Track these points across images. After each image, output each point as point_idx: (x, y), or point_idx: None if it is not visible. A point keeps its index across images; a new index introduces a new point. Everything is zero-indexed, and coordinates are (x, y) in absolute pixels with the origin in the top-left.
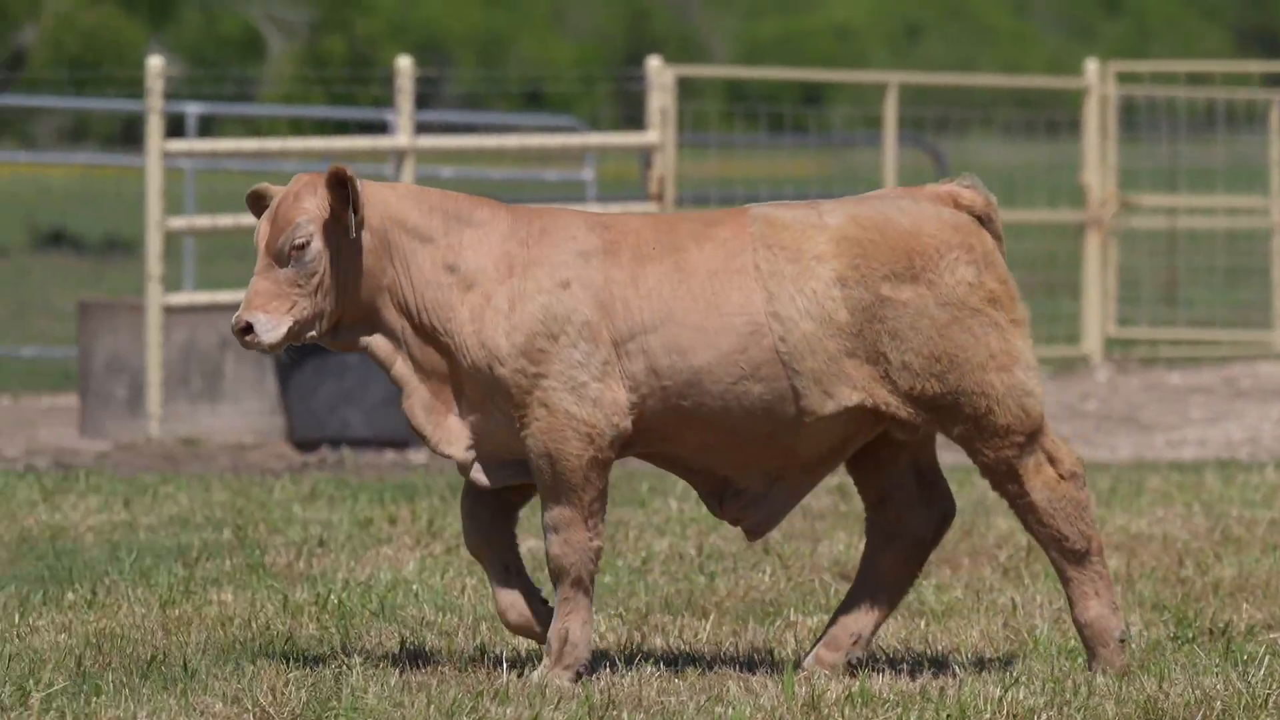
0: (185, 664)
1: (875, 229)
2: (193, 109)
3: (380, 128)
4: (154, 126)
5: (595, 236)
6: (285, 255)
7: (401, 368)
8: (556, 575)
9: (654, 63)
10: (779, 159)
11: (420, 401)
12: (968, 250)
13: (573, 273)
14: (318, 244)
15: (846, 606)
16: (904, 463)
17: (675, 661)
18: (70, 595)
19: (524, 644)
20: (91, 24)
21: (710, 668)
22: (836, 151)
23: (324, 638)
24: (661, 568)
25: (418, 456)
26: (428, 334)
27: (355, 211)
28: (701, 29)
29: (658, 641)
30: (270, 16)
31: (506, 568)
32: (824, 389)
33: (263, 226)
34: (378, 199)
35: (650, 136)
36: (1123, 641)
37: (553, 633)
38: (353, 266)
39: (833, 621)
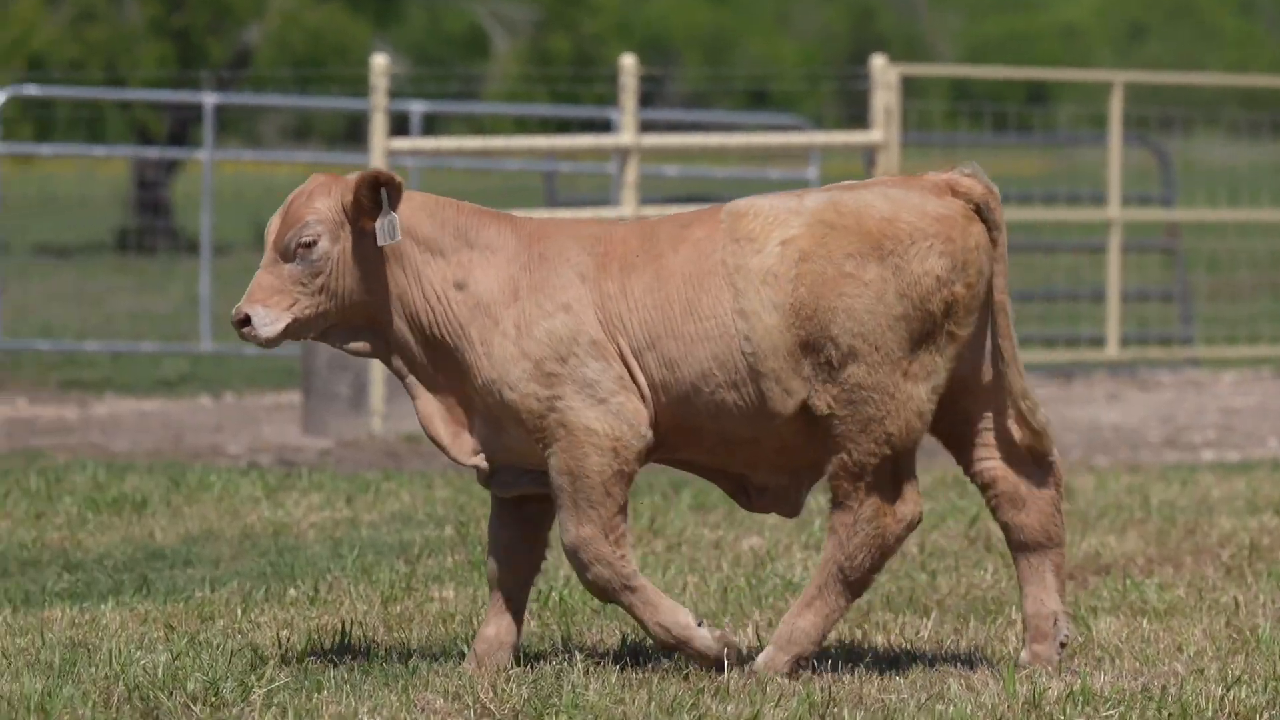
0: (407, 660)
1: (851, 214)
2: (417, 107)
3: (604, 126)
4: (378, 125)
5: (587, 256)
6: (291, 252)
7: (415, 379)
8: (603, 596)
9: (878, 61)
10: (1003, 158)
11: (437, 411)
12: (945, 241)
13: (572, 294)
14: (325, 244)
15: (1025, 594)
16: (997, 432)
17: (896, 659)
18: (292, 591)
19: (753, 639)
20: (317, 23)
21: (931, 665)
22: (1061, 150)
23: (545, 634)
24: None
25: None
26: (438, 346)
27: (394, 213)
28: (927, 28)
29: (878, 639)
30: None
31: (509, 601)
32: (784, 387)
33: (273, 222)
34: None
35: (874, 135)
36: (789, 671)
37: (660, 640)
38: (361, 272)
39: (1026, 615)
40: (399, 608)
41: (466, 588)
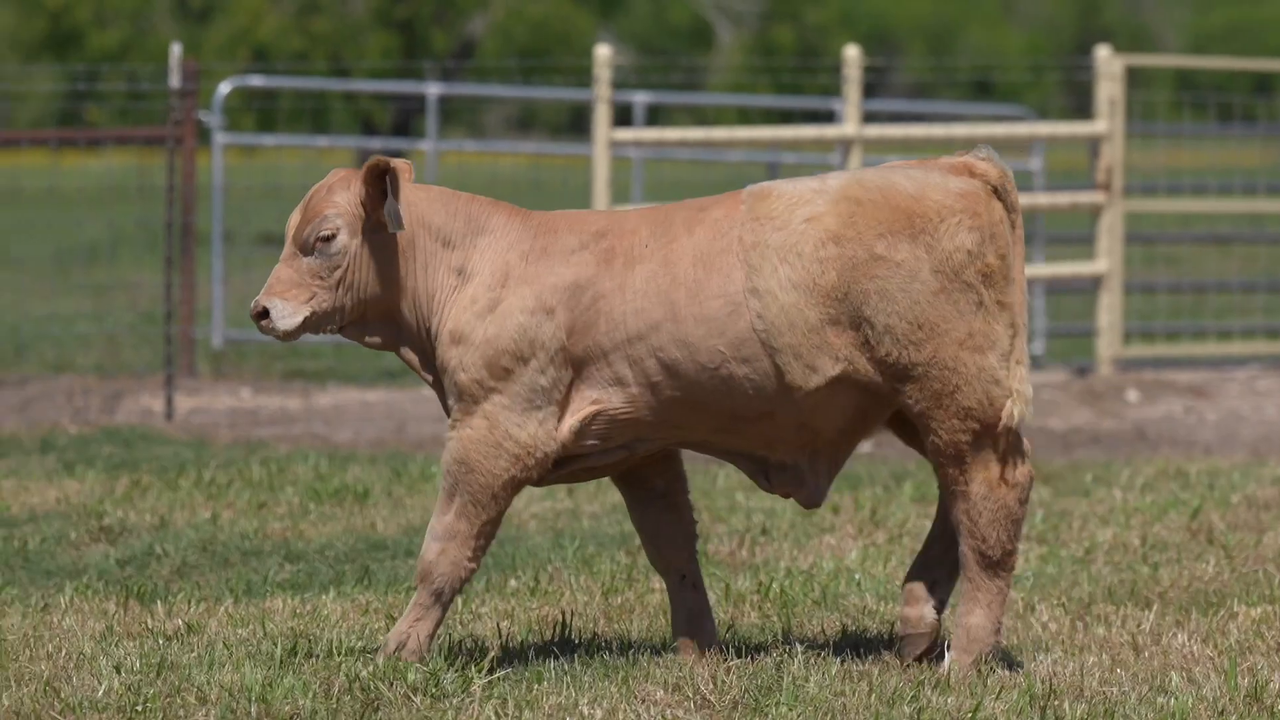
0: (627, 652)
1: (877, 190)
2: (640, 98)
3: (827, 117)
4: (601, 115)
5: (589, 254)
6: (310, 245)
7: (430, 372)
8: (422, 578)
9: (1103, 52)
10: (1228, 149)
11: None
12: (972, 216)
13: (558, 299)
14: (344, 238)
15: (921, 558)
16: None
17: (1117, 651)
18: (513, 582)
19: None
20: (541, 14)
21: (1152, 658)
22: None
23: (765, 626)
24: (1105, 558)
25: (863, 445)
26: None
27: (395, 198)
28: (1152, 19)
29: (1099, 631)
30: (719, 6)
31: (683, 577)
32: (805, 363)
33: (294, 215)
34: (409, 201)
35: (1098, 126)
36: (976, 660)
37: (394, 633)
38: (378, 266)
39: (911, 570)
40: (619, 599)
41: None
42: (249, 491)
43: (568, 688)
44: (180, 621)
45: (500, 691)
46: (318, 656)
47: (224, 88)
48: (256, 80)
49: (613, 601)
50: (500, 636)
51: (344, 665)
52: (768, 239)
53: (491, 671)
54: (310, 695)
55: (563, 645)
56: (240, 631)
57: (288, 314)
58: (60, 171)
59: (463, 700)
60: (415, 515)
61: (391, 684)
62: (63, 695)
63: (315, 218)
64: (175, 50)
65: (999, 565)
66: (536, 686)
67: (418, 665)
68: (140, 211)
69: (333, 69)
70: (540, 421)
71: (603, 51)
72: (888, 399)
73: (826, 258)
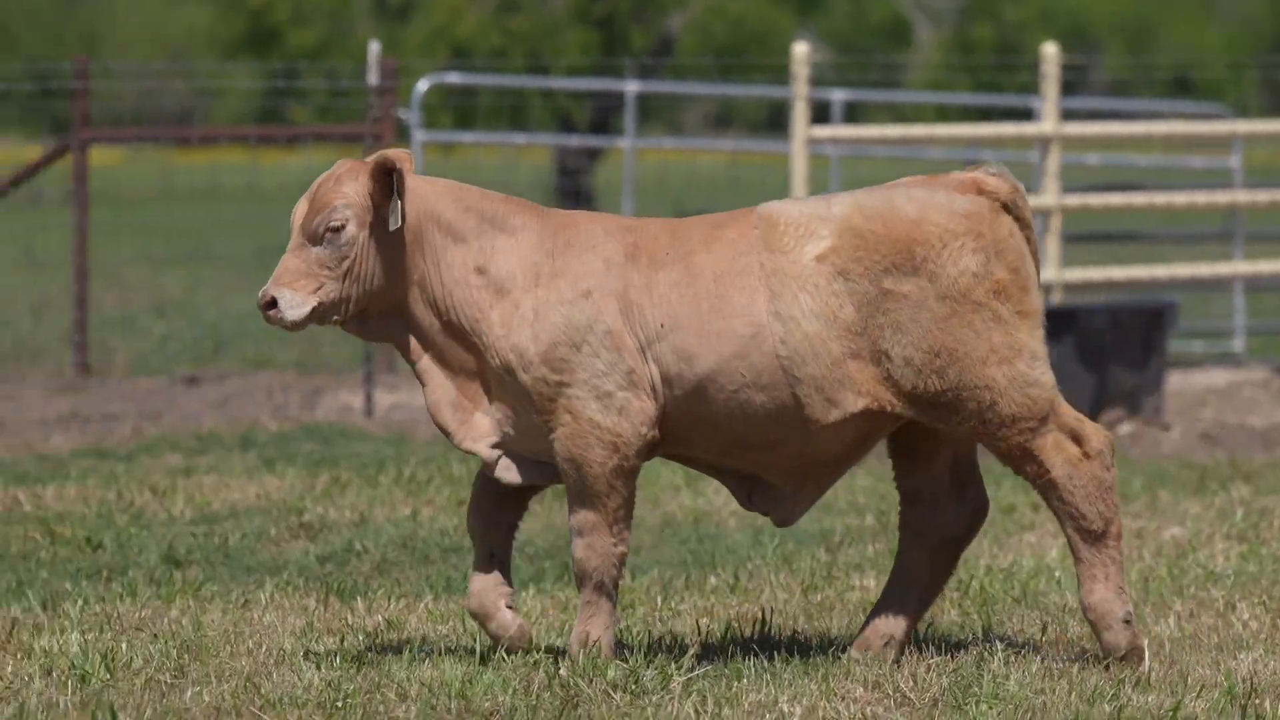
0: (827, 649)
1: (879, 218)
2: (838, 95)
3: (1025, 114)
4: (799, 113)
5: (616, 243)
6: (319, 236)
7: (427, 363)
8: (580, 578)
9: None
10: None
11: (446, 398)
12: (975, 238)
13: (594, 282)
14: (352, 229)
15: (879, 607)
16: (943, 459)
17: None
18: (712, 580)
19: (1173, 628)
20: (739, 11)
21: None
22: None
23: (965, 624)
24: None
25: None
26: (457, 332)
27: (400, 199)
28: None
29: None
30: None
31: (491, 555)
32: (826, 396)
33: (300, 206)
34: (417, 194)
35: None
36: (1127, 623)
37: (575, 636)
38: (385, 257)
39: (867, 622)
40: (819, 596)
41: (886, 576)
42: (449, 488)
43: (767, 685)
44: (380, 618)
45: (700, 688)
46: (518, 653)
47: (422, 85)
48: (454, 78)
49: (812, 599)
50: (700, 634)
51: (543, 662)
52: (785, 268)
53: (691, 668)
54: (510, 692)
55: (762, 642)
56: (440, 628)
57: (296, 304)
58: (259, 169)
59: (662, 697)
60: None
61: (591, 680)
62: (263, 691)
63: (324, 208)
64: (374, 48)
65: (1105, 536)
66: (736, 684)
67: (617, 662)
68: None
69: (531, 66)
70: (620, 407)
71: (800, 49)
72: (891, 426)
73: (839, 290)
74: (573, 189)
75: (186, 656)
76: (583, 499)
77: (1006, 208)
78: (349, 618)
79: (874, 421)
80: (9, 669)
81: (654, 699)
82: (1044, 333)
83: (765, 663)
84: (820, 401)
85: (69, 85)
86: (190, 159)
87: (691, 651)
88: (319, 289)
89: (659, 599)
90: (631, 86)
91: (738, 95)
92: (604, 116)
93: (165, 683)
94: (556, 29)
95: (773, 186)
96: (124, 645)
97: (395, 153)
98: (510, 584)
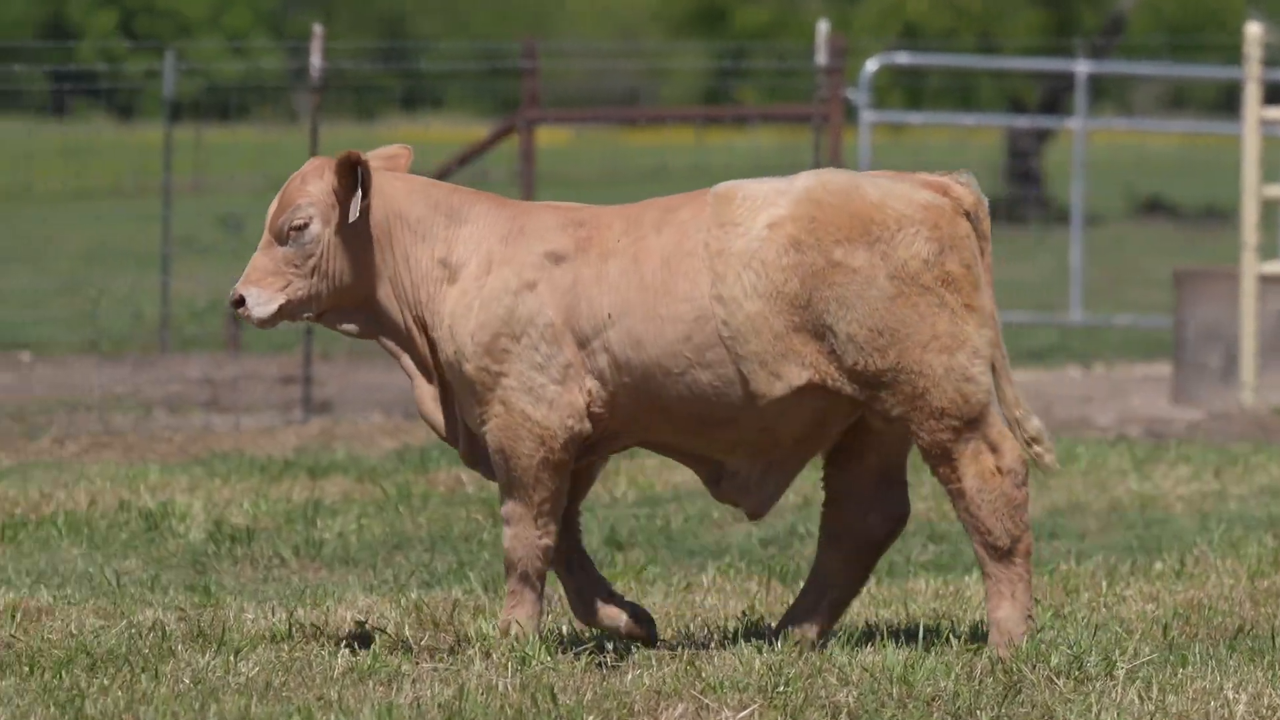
0: (1273, 636)
1: (840, 193)
2: None
3: None
4: (1251, 94)
5: (567, 236)
6: (285, 235)
7: (409, 360)
8: (506, 567)
9: None
10: None
11: (429, 393)
12: (931, 227)
13: (541, 274)
14: (317, 227)
15: (794, 608)
16: (870, 462)
17: None
18: (1158, 565)
19: None
20: None
21: None
22: None
23: None
24: None
25: None
26: (425, 327)
27: (364, 196)
28: None
29: None
30: None
31: (569, 560)
32: (770, 370)
33: (272, 204)
34: (385, 192)
35: None
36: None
37: (499, 623)
38: (352, 254)
39: (781, 623)
40: (1265, 583)
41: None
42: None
43: (1212, 671)
44: None
45: (1144, 674)
46: (961, 638)
47: (871, 65)
48: (903, 58)
49: (1259, 585)
50: (1145, 619)
51: (984, 647)
52: (731, 245)
53: (1136, 655)
54: (952, 677)
55: (1208, 629)
56: (883, 612)
57: (263, 301)
58: (706, 149)
59: (1106, 684)
60: (1060, 496)
61: (1034, 667)
62: (704, 674)
63: (289, 206)
64: (822, 27)
65: (1012, 553)
66: (1181, 670)
67: (1062, 649)
68: None
69: (981, 46)
70: (550, 400)
71: (1254, 30)
72: (848, 410)
73: (788, 265)
74: (1022, 170)
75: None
76: (511, 490)
77: (968, 215)
78: (791, 601)
79: (826, 400)
80: (449, 650)
81: (1097, 685)
82: (994, 337)
83: (1210, 649)
84: (765, 375)
85: (517, 65)
86: (637, 139)
87: (1136, 637)
88: (286, 286)
89: (1104, 584)
90: (1082, 67)
91: (1190, 76)
92: (1054, 97)
93: (607, 665)
94: (1008, 9)
95: (1226, 168)
96: (564, 627)
97: (358, 153)
98: (599, 576)
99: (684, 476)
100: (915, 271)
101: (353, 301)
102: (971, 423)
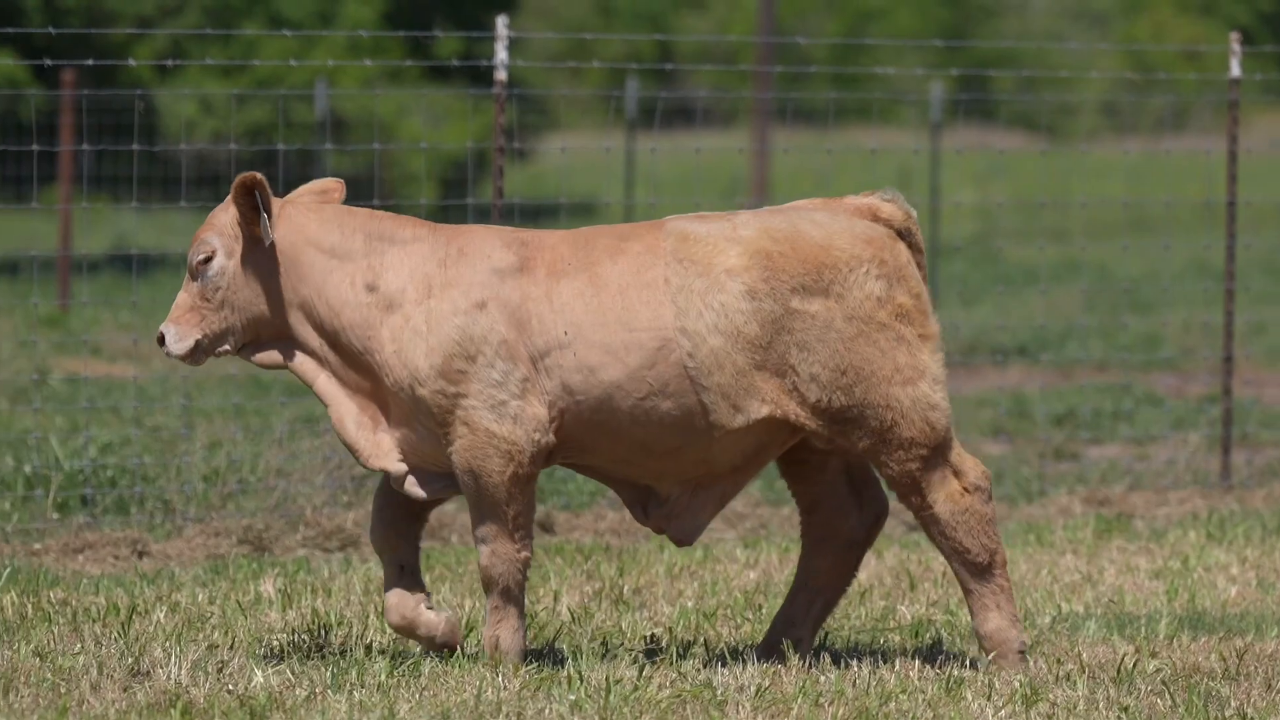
0: None
1: (787, 241)
2: None
3: None
4: None
5: (511, 254)
6: (194, 270)
7: (325, 384)
8: (486, 585)
9: None
10: None
11: (349, 416)
12: (879, 264)
13: (489, 293)
14: (220, 260)
15: (784, 612)
16: (834, 468)
17: None
18: None
19: None
20: None
21: None
22: None
23: None
24: None
25: None
26: (349, 352)
27: (267, 215)
28: None
29: None
30: None
31: (401, 567)
32: (732, 403)
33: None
34: (296, 221)
35: None
36: (1021, 653)
37: (485, 640)
38: (258, 284)
39: (773, 627)
40: None
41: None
42: None
43: None
44: None
45: None
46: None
47: None
48: None
49: None
50: None
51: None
52: (692, 284)
53: None
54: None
55: None
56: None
57: (179, 339)
58: None
59: None
60: None
61: None
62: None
63: (196, 242)
64: None
65: (990, 567)
66: None
67: None
68: None
69: None
70: (515, 416)
71: None
72: (785, 438)
73: (747, 310)
74: None
75: None
76: (483, 508)
77: (900, 234)
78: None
79: (771, 433)
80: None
81: None
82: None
83: None
84: (726, 408)
85: None
86: None
87: None
88: (201, 322)
89: None
90: None
91: None
92: None
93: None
94: None
95: None
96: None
97: (253, 175)
98: (424, 589)
99: None
100: (870, 311)
101: (270, 333)
102: (938, 448)
